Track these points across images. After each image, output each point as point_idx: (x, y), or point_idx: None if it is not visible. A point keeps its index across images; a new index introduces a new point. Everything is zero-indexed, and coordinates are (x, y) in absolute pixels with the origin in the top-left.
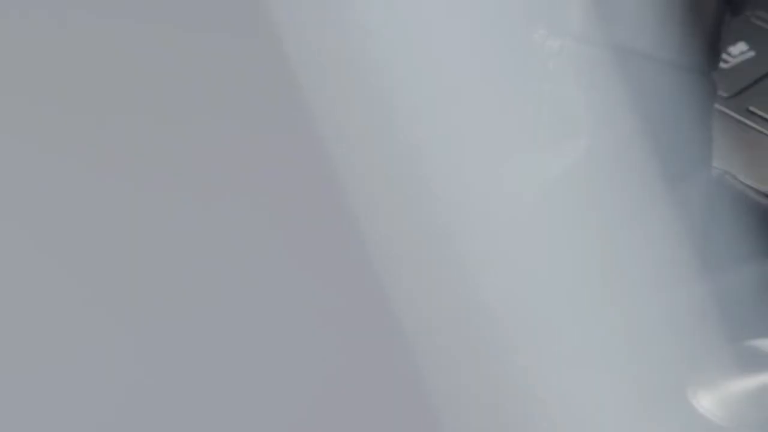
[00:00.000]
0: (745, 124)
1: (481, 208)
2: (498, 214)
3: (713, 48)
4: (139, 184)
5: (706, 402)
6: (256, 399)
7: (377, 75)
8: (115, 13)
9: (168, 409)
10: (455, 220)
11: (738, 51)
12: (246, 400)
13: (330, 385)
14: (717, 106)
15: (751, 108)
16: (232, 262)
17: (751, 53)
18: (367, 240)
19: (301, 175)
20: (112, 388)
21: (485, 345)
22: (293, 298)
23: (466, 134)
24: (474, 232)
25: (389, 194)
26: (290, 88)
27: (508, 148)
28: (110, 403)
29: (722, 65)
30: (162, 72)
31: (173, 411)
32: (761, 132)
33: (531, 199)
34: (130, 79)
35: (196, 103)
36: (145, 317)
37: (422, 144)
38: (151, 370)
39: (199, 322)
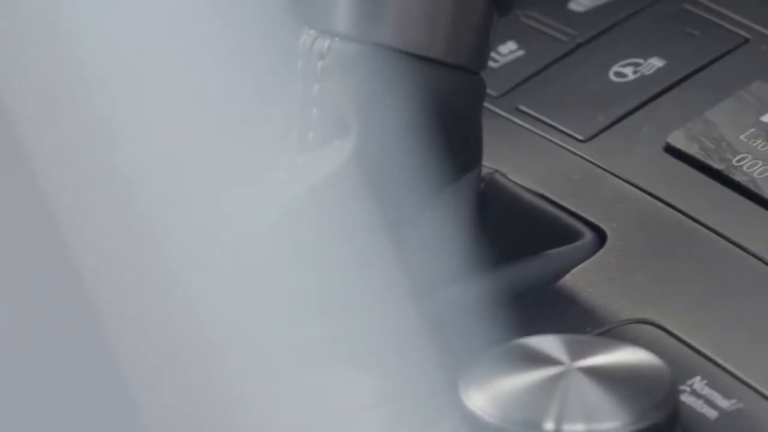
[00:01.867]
0: (515, 123)
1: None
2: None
3: (482, 47)
4: None
5: (478, 400)
6: None
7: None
8: None
9: None
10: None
11: (507, 50)
12: None
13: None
14: (486, 105)
15: (521, 107)
16: None
17: (521, 52)
18: (74, 260)
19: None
20: None
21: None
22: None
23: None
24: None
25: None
26: None
27: (265, 152)
28: None
29: (491, 64)
30: None
31: None
32: (530, 130)
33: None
34: None
35: None
36: None
37: (150, 157)
38: None
39: None
